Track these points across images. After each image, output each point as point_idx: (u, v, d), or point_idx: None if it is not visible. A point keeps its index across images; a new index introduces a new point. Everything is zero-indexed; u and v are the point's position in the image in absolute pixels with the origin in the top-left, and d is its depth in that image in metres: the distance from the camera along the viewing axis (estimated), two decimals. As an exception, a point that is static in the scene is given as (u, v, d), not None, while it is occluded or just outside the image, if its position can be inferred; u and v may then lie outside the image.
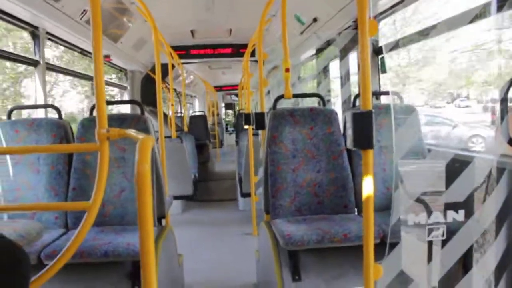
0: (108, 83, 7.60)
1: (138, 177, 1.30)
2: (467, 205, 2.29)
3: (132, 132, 1.73)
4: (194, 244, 5.05)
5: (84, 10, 4.20)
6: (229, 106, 23.22)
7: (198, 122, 11.41)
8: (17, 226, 2.35)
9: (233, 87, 16.32)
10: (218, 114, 18.12)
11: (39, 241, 2.66)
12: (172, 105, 6.24)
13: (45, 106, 4.06)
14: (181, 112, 11.62)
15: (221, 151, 14.13)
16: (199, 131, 10.90)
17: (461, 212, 2.15)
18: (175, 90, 10.89)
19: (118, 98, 8.56)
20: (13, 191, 3.22)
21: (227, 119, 22.49)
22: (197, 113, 12.67)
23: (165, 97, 9.58)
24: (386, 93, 4.03)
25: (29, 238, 2.31)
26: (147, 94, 7.87)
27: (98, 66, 1.82)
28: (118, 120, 3.27)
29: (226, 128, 19.27)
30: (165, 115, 7.15)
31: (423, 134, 3.49)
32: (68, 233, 3.06)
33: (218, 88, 16.90)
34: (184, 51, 7.76)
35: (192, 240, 5.19)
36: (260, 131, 4.77)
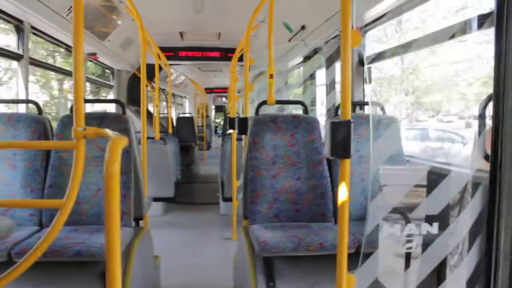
0: (92, 81, 7.54)
1: (106, 178, 1.29)
2: (442, 218, 2.31)
3: (108, 131, 1.71)
4: (172, 246, 5.02)
5: (71, 7, 4.17)
6: (219, 108, 23.18)
7: (185, 123, 11.36)
8: None
9: (224, 89, 16.33)
10: (207, 116, 18.05)
11: (10, 238, 2.61)
12: (157, 106, 6.21)
13: (26, 101, 4.01)
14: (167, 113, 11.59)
15: (208, 154, 14.09)
16: (185, 133, 10.86)
17: (435, 225, 2.17)
18: (164, 90, 10.85)
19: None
20: None
21: (217, 121, 22.45)
22: (184, 115, 12.61)
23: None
24: (366, 103, 4.06)
25: None
26: (133, 93, 7.82)
27: (78, 62, 1.79)
28: (97, 119, 3.24)
29: (215, 131, 19.22)
30: (152, 115, 7.12)
31: (432, 150, 3.52)
32: (42, 231, 3.01)
33: (209, 90, 16.86)
34: (172, 53, 7.75)
35: (171, 242, 5.16)
36: (243, 136, 4.77)
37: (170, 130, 7.98)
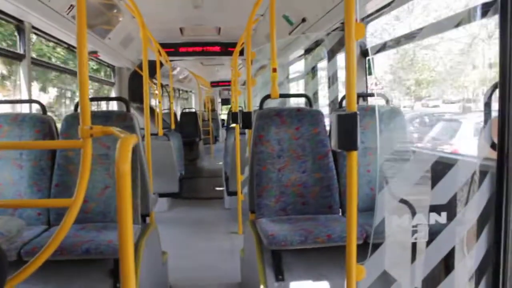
0: (94, 79, 7.54)
1: (118, 176, 1.30)
2: (450, 207, 2.31)
3: (115, 130, 1.71)
4: (179, 242, 5.03)
5: (71, 5, 4.16)
6: (226, 101, 23.07)
7: (188, 119, 11.35)
8: None
9: (229, 82, 16.29)
10: (214, 110, 17.97)
11: (19, 238, 2.62)
12: (159, 102, 6.21)
13: (30, 101, 4.01)
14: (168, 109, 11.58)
15: (215, 147, 14.05)
16: (189, 128, 10.86)
17: (444, 214, 2.17)
18: (166, 86, 10.83)
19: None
20: None
21: (223, 114, 22.32)
22: (187, 110, 12.57)
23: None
24: (371, 95, 4.06)
25: (9, 235, 2.28)
26: (134, 90, 7.82)
27: (82, 61, 1.80)
28: (103, 117, 3.24)
29: (222, 124, 19.15)
30: (154, 111, 7.13)
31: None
32: (50, 229, 3.02)
33: (215, 84, 16.74)
34: (172, 49, 7.74)
35: (177, 238, 5.17)
36: (246, 130, 4.77)
37: (173, 126, 7.98)
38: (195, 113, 11.88)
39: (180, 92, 15.42)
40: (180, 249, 4.76)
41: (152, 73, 6.25)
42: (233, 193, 5.92)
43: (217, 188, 7.96)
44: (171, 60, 7.81)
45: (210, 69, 13.12)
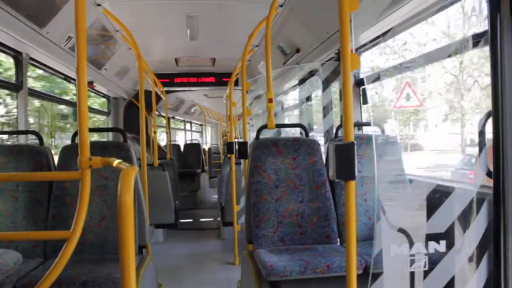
0: (90, 110, 7.55)
1: (120, 208, 1.30)
2: (448, 236, 2.31)
3: (114, 161, 1.72)
4: (175, 273, 4.96)
5: (69, 37, 4.21)
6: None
7: (191, 150, 11.35)
8: None
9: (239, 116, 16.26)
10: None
11: (15, 271, 2.58)
12: (154, 132, 6.22)
13: (26, 132, 4.01)
14: (174, 140, 11.62)
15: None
16: (191, 159, 10.86)
17: (442, 243, 2.17)
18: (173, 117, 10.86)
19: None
20: None
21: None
22: (189, 142, 12.56)
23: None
24: (368, 124, 4.09)
25: (5, 269, 2.24)
26: (129, 121, 7.84)
27: (82, 93, 1.81)
28: (100, 148, 3.24)
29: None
30: (150, 141, 7.13)
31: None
32: (46, 262, 2.98)
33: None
34: (167, 79, 7.79)
35: (173, 269, 5.10)
36: (242, 160, 4.77)
37: (168, 156, 7.97)
38: (198, 144, 11.89)
39: (192, 124, 15.36)
40: (177, 281, 4.69)
41: (148, 103, 6.28)
42: (228, 224, 5.88)
43: (212, 219, 7.91)
44: (166, 92, 7.86)
45: (218, 102, 13.19)
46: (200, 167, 10.99)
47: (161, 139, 11.65)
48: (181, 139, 14.15)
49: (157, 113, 7.62)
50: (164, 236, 6.67)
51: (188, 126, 15.19)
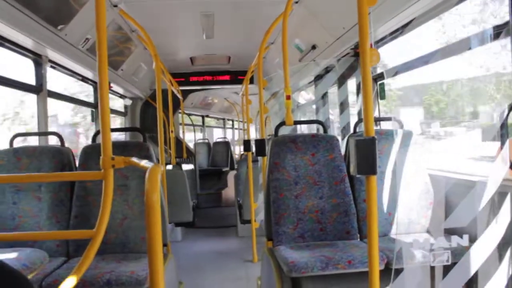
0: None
1: (148, 207, 1.31)
2: (471, 230, 2.29)
3: (136, 160, 1.74)
4: (195, 271, 4.99)
5: (86, 39, 4.25)
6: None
7: (220, 148, 11.36)
8: (22, 255, 2.32)
9: None
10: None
11: (41, 270, 2.63)
12: (172, 132, 6.26)
13: (48, 133, 4.07)
14: (206, 139, 11.65)
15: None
16: (219, 157, 10.88)
17: (465, 237, 2.15)
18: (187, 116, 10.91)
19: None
20: (14, 219, 3.20)
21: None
22: (220, 139, 12.54)
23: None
24: (388, 119, 4.06)
25: (33, 267, 2.28)
26: (146, 120, 7.91)
27: (104, 94, 1.83)
28: (120, 147, 3.28)
29: None
30: (167, 140, 7.17)
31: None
32: (70, 261, 3.03)
33: None
34: (183, 78, 7.83)
35: (192, 267, 5.14)
36: (259, 158, 4.78)
37: (185, 156, 8.00)
38: (227, 142, 11.90)
39: (225, 120, 15.27)
40: (196, 279, 4.72)
41: (164, 103, 6.33)
42: (246, 221, 5.89)
43: (230, 217, 7.93)
44: (181, 90, 7.89)
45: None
46: (228, 165, 10.99)
47: (190, 139, 11.64)
48: (216, 136, 14.08)
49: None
50: (182, 235, 6.72)
51: (215, 123, 15.06)
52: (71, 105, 7.39)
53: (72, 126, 8.49)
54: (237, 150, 13.86)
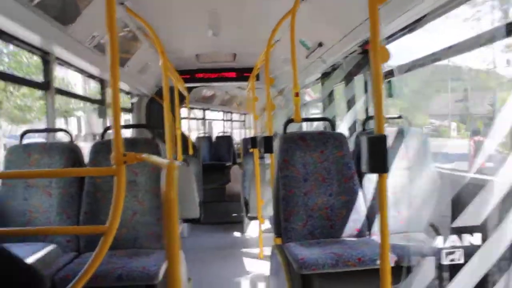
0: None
1: (165, 202, 1.31)
2: (483, 229, 2.28)
3: (148, 156, 1.74)
4: (202, 268, 5.01)
5: (93, 36, 4.26)
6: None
7: (222, 142, 11.33)
8: (35, 249, 2.34)
9: None
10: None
11: (53, 264, 2.65)
12: (178, 128, 6.27)
13: (57, 130, 4.09)
14: (205, 133, 11.61)
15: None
16: (221, 152, 10.85)
17: (478, 236, 2.14)
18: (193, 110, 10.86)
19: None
20: (25, 214, 3.22)
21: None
22: (221, 134, 12.50)
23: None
24: (399, 117, 4.04)
25: (46, 261, 2.30)
26: (152, 117, 7.90)
27: (115, 92, 1.84)
28: (128, 144, 3.29)
29: None
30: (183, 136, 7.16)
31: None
32: (81, 256, 3.04)
33: None
34: (188, 75, 7.82)
35: (200, 263, 5.15)
36: (266, 155, 4.77)
37: (191, 152, 8.00)
38: (229, 136, 11.87)
39: (232, 115, 15.17)
40: (204, 275, 4.73)
41: (171, 100, 6.32)
42: (253, 218, 5.90)
43: (236, 214, 7.93)
44: (187, 87, 7.89)
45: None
46: (231, 159, 10.97)
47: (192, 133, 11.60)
48: (216, 129, 14.00)
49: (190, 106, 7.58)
50: (188, 231, 6.73)
51: (223, 116, 14.92)
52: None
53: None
54: (237, 138, 13.65)
